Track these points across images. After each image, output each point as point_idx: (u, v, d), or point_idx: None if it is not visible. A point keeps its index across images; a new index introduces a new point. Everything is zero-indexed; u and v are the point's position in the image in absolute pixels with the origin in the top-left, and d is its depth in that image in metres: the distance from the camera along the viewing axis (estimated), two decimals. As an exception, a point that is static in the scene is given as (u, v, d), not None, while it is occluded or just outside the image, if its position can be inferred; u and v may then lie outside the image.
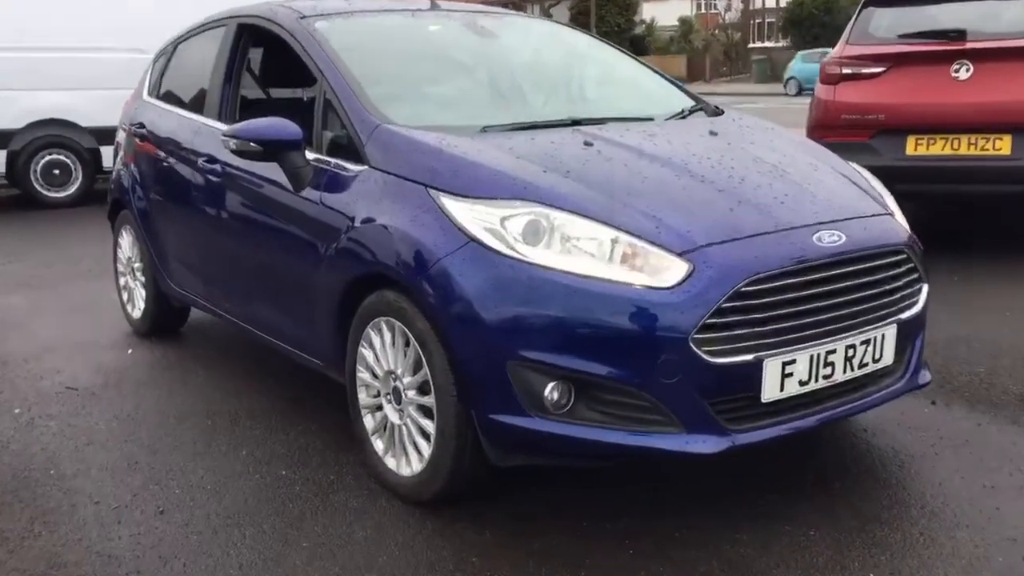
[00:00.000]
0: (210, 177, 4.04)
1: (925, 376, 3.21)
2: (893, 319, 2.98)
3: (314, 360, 3.58)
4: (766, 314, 2.68)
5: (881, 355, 2.95)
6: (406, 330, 2.99)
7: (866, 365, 2.91)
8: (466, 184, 2.93)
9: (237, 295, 4.01)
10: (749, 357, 2.66)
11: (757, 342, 2.67)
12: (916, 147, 6.05)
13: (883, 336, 2.94)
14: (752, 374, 2.67)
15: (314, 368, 3.63)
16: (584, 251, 2.73)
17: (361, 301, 3.20)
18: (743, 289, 2.64)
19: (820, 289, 2.78)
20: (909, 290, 3.08)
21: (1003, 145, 5.83)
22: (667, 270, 2.67)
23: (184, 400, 4.13)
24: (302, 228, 3.44)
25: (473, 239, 2.80)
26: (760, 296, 2.67)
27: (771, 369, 2.69)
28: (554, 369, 2.70)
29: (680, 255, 2.69)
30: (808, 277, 2.76)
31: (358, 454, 3.43)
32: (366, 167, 3.22)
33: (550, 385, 2.71)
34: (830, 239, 2.84)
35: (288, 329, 3.67)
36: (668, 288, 2.64)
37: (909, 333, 3.08)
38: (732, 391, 2.71)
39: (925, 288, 3.18)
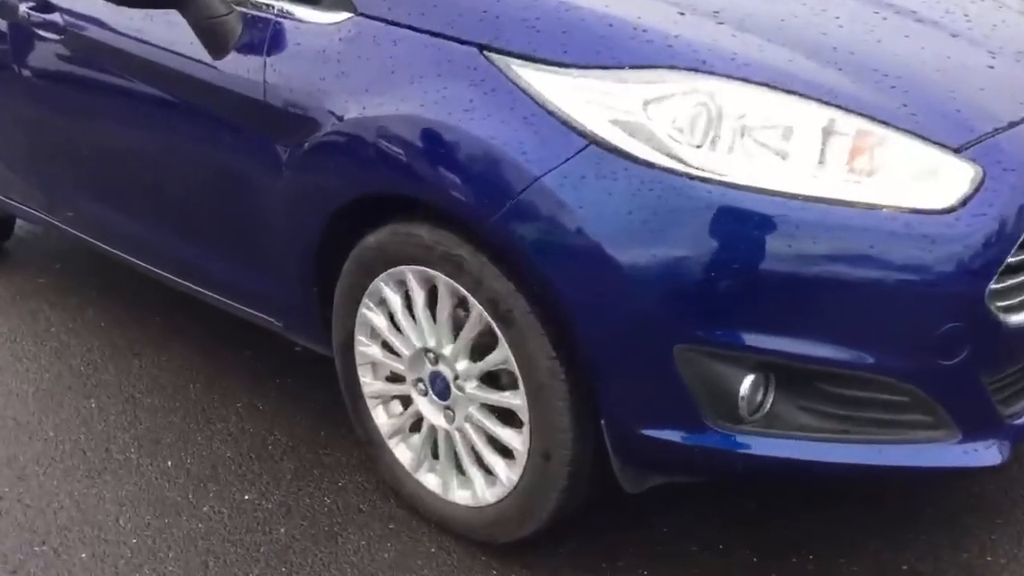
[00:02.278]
0: (44, 34, 2.57)
1: None
2: None
3: (271, 319, 2.35)
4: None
5: None
6: (462, 291, 1.82)
7: None
8: (566, 43, 1.71)
9: (117, 220, 2.64)
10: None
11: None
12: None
13: None
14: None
15: (271, 329, 2.40)
16: (782, 152, 1.61)
17: (358, 238, 1.98)
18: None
19: None
20: None
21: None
22: (938, 178, 1.60)
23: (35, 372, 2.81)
24: (229, 125, 2.13)
25: (595, 140, 1.63)
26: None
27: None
28: (755, 355, 1.63)
29: (957, 151, 1.62)
30: None
31: (362, 464, 2.30)
32: (351, 15, 1.93)
33: (748, 380, 1.64)
34: None
35: (221, 274, 2.40)
36: (946, 211, 1.58)
37: None
38: (1016, 362, 1.73)
39: None
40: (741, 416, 1.65)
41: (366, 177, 1.89)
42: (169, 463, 2.36)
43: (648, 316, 1.62)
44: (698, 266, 1.58)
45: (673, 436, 1.69)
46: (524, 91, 1.69)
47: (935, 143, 1.61)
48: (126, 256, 2.68)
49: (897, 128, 1.62)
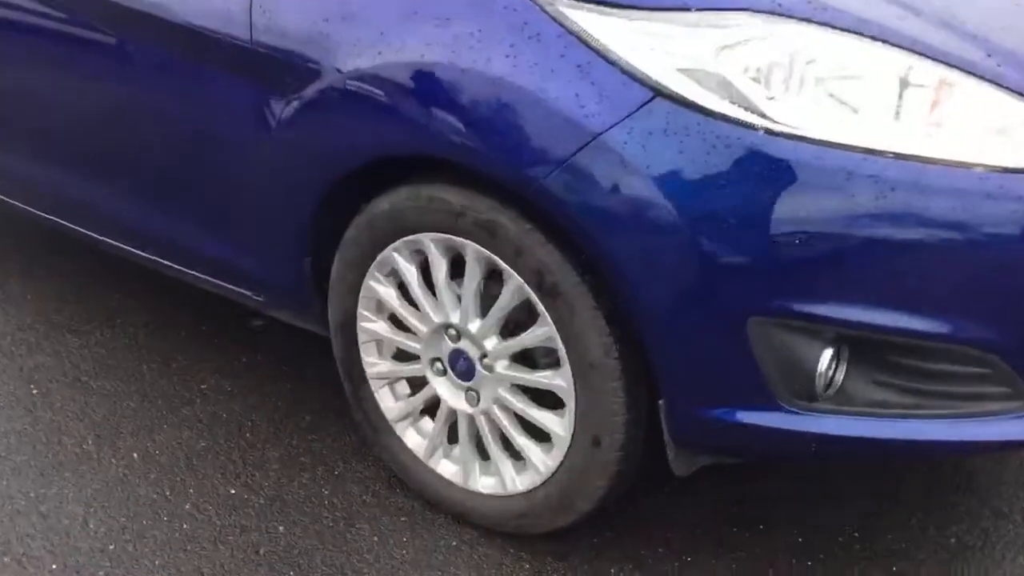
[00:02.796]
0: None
1: None
2: None
3: (249, 294, 2.10)
4: None
5: None
6: (497, 262, 1.63)
7: None
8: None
9: (65, 185, 2.32)
10: None
11: None
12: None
13: None
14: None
15: (244, 303, 2.16)
16: (867, 104, 1.47)
17: (364, 202, 1.77)
18: None
19: None
20: None
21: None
22: (1026, 132, 1.49)
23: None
24: (204, 74, 1.87)
25: (662, 91, 1.45)
26: None
27: None
28: (835, 326, 1.49)
29: (1047, 103, 1.50)
30: None
31: (357, 450, 2.10)
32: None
33: (826, 354, 1.51)
34: None
35: (193, 246, 2.13)
36: (1039, 167, 1.47)
37: None
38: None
39: None
40: (817, 393, 1.52)
41: (384, 136, 1.67)
42: (135, 455, 2.11)
43: (721, 287, 1.47)
44: (779, 230, 1.43)
45: (742, 417, 1.54)
46: (577, 36, 1.50)
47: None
48: (72, 225, 2.37)
49: (984, 79, 1.49)
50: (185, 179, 2.02)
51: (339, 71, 1.68)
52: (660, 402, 1.59)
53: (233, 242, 2.02)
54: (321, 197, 1.79)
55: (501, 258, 1.62)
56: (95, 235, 2.33)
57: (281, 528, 1.89)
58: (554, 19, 1.52)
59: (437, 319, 1.76)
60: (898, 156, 1.42)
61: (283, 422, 2.21)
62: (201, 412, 2.25)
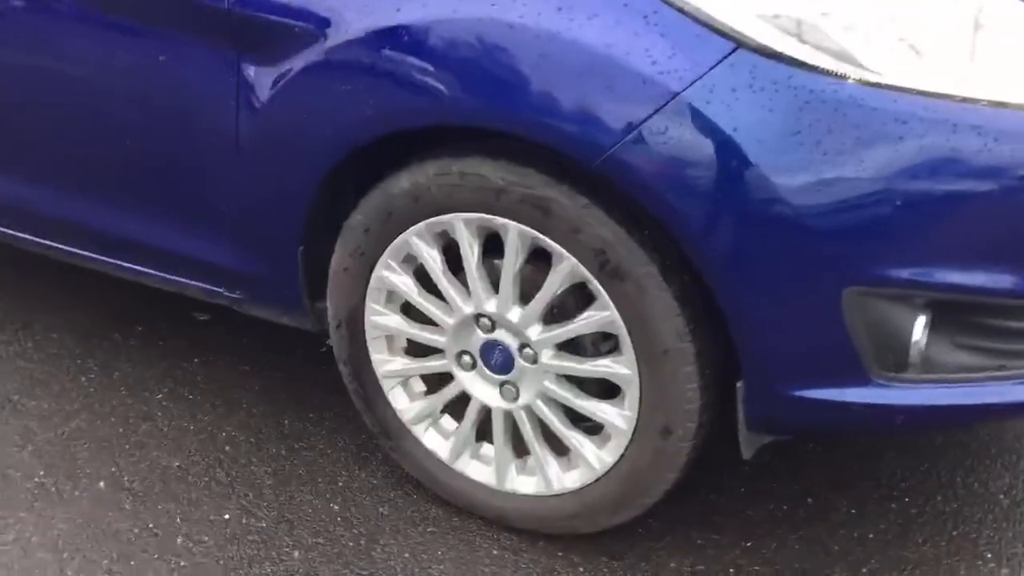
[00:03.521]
0: None
1: None
2: None
3: (220, 291, 1.84)
4: None
5: None
6: (546, 243, 1.45)
7: None
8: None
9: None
10: None
11: None
12: None
13: None
14: None
15: (213, 302, 1.90)
16: (971, 52, 1.35)
17: (373, 181, 1.56)
18: None
19: None
20: None
21: None
22: None
23: None
24: (168, 41, 1.61)
25: (744, 41, 1.30)
26: None
27: None
28: (932, 292, 1.38)
29: None
30: None
31: (357, 457, 1.89)
32: None
33: (921, 321, 1.40)
34: None
35: (155, 242, 1.84)
36: None
37: None
38: None
39: None
40: (908, 363, 1.42)
41: (404, 106, 1.45)
42: (101, 484, 1.84)
43: (817, 257, 1.34)
44: (881, 192, 1.30)
45: (830, 395, 1.42)
46: None
47: None
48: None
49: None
50: (148, 168, 1.74)
51: (348, 32, 1.45)
52: (738, 384, 1.46)
53: (206, 235, 1.76)
54: (320, 178, 1.56)
55: (552, 238, 1.44)
56: (27, 236, 2.00)
57: (296, 554, 1.68)
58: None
59: (468, 309, 1.57)
60: (997, 104, 1.31)
61: (262, 430, 1.97)
62: (164, 426, 1.99)
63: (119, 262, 1.93)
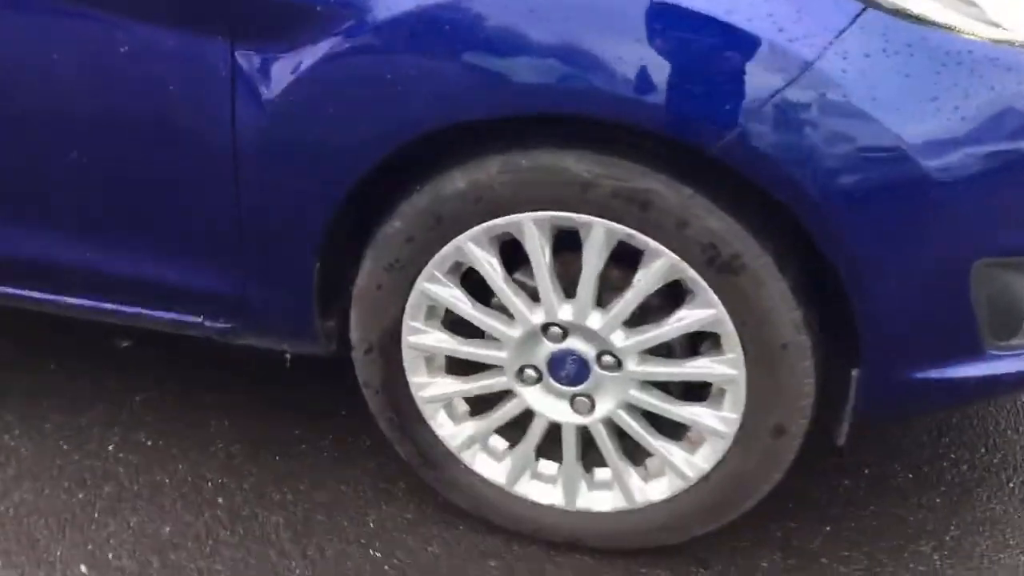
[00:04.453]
0: None
1: None
2: None
3: (211, 323, 1.55)
4: None
5: None
6: (640, 239, 1.28)
7: None
8: None
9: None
10: None
11: None
12: None
13: None
14: None
15: (199, 335, 1.59)
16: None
17: (407, 183, 1.34)
18: None
19: None
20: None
21: None
22: None
23: None
24: (148, 33, 1.31)
25: (874, 1, 1.16)
26: None
27: None
28: (1047, 255, 1.32)
29: None
30: None
31: (377, 491, 1.67)
32: None
33: (1037, 288, 1.34)
34: None
35: (128, 274, 1.51)
36: None
37: None
38: None
39: None
40: (1021, 331, 1.36)
41: (478, 91, 1.23)
42: (82, 568, 1.53)
43: (953, 230, 1.24)
44: (1019, 158, 1.21)
45: (950, 372, 1.34)
46: None
47: None
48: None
49: None
50: (110, 187, 1.43)
51: (392, 8, 1.21)
52: (854, 372, 1.35)
53: (193, 260, 1.47)
54: (350, 185, 1.32)
55: (650, 234, 1.27)
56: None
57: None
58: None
59: (537, 319, 1.38)
60: None
61: (252, 472, 1.71)
62: (133, 484, 1.68)
63: (59, 298, 1.59)
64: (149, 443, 1.77)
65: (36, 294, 1.60)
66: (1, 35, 1.35)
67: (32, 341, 2.00)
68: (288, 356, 1.63)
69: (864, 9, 1.16)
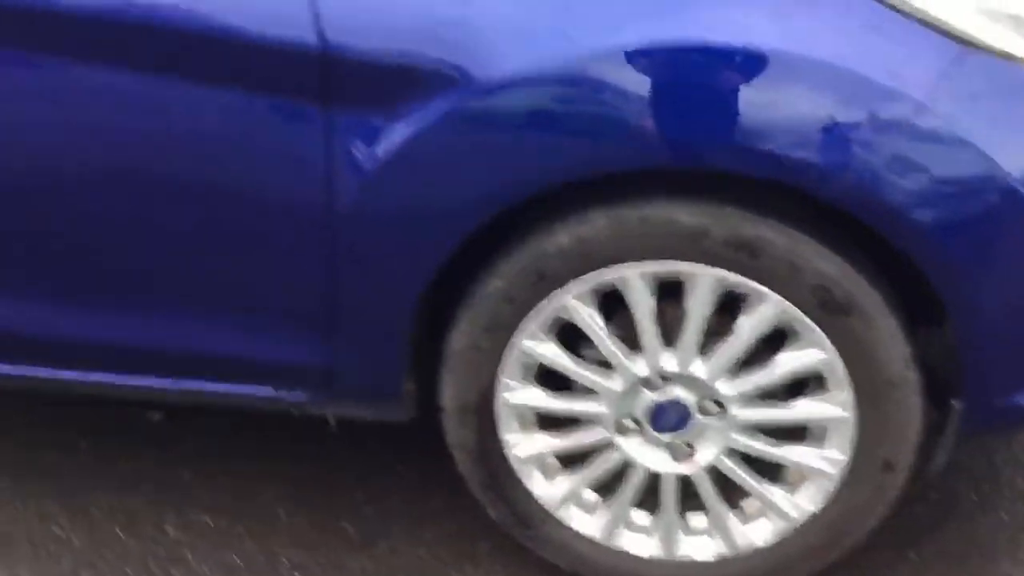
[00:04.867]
0: None
1: None
2: None
3: (283, 394, 1.49)
4: None
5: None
6: (750, 286, 1.28)
7: None
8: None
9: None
10: None
11: None
12: None
13: None
14: None
15: (270, 408, 1.54)
16: None
17: (512, 238, 1.32)
18: None
19: None
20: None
21: None
22: None
23: None
24: (240, 102, 1.26)
25: (975, 43, 1.19)
26: None
27: None
28: None
29: None
30: None
31: (478, 556, 1.63)
32: None
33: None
34: None
35: (207, 350, 1.45)
36: None
37: None
38: None
39: None
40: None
41: (603, 149, 1.22)
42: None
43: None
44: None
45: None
46: None
47: None
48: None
49: None
50: (204, 259, 1.37)
51: (509, 69, 1.20)
52: (954, 402, 1.37)
53: (276, 331, 1.42)
54: (455, 245, 1.30)
55: (762, 280, 1.28)
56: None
57: None
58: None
59: (642, 371, 1.37)
60: None
61: (326, 542, 1.65)
62: (201, 564, 1.62)
63: (121, 379, 1.52)
64: (210, 521, 1.70)
65: (95, 377, 1.52)
66: (93, 104, 1.29)
67: (54, 418, 1.92)
68: (332, 422, 1.60)
69: (966, 51, 1.19)
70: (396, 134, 1.24)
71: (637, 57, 1.17)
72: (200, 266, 1.39)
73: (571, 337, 1.39)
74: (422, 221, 1.29)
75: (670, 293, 1.34)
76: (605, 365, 1.40)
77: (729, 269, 1.28)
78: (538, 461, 1.48)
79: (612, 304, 1.36)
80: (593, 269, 1.31)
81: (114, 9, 1.24)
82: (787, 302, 1.29)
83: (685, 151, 1.22)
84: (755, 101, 1.17)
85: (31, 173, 1.34)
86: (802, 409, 1.38)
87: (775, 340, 1.34)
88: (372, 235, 1.31)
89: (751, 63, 1.16)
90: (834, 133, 1.18)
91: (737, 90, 1.17)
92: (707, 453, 1.42)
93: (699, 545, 1.50)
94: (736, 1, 1.19)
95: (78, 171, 1.32)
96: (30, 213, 1.37)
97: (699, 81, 1.19)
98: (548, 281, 1.33)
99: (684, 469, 1.44)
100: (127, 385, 1.51)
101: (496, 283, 1.34)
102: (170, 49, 1.24)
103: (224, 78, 1.25)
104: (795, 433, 1.44)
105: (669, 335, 1.36)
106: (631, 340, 1.37)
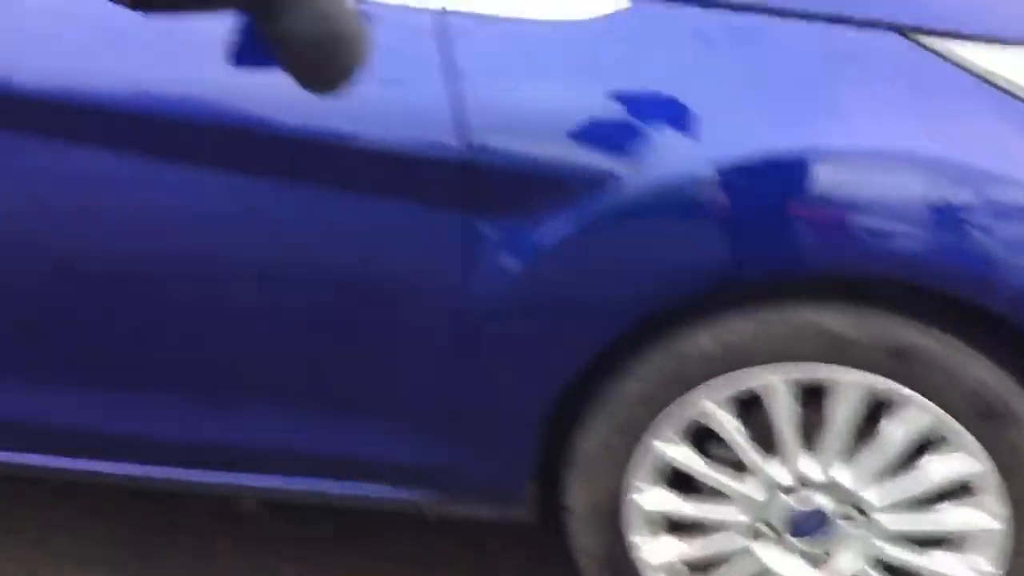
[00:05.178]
0: None
1: None
2: None
3: (402, 495, 1.46)
4: None
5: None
6: (901, 393, 1.24)
7: None
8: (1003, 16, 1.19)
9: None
10: None
11: None
12: None
13: None
14: None
15: (382, 507, 1.51)
16: None
17: (649, 339, 1.29)
18: None
19: None
20: None
21: None
22: None
23: None
24: (368, 211, 1.24)
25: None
26: None
27: None
28: None
29: None
30: None
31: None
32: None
33: None
34: None
35: (347, 442, 1.42)
36: None
37: None
38: None
39: None
40: None
41: (767, 255, 1.19)
42: None
43: None
44: None
45: None
46: (987, 80, 1.15)
47: None
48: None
49: None
50: (334, 360, 1.35)
51: (663, 174, 1.17)
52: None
53: (402, 431, 1.39)
54: (597, 350, 1.27)
55: (913, 387, 1.23)
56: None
57: None
58: (952, 63, 1.16)
59: (785, 479, 1.33)
60: None
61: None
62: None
63: (240, 479, 1.50)
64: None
65: (219, 477, 1.50)
66: (241, 213, 1.29)
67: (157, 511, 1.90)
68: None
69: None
70: (538, 238, 1.22)
71: (785, 167, 1.15)
72: (329, 370, 1.37)
73: (699, 436, 1.36)
74: (561, 325, 1.26)
75: (807, 393, 1.30)
76: (736, 466, 1.36)
77: (880, 374, 1.23)
78: (668, 568, 1.44)
79: (745, 404, 1.32)
80: (730, 370, 1.27)
81: (256, 121, 1.23)
82: (940, 410, 1.24)
83: (849, 260, 1.18)
84: (925, 213, 1.14)
85: (177, 277, 1.33)
86: (954, 519, 1.32)
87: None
88: (508, 339, 1.28)
89: (915, 172, 1.14)
90: (994, 240, 1.14)
91: (907, 200, 1.14)
92: (849, 562, 1.37)
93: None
94: (892, 108, 1.16)
95: (222, 271, 1.32)
96: (174, 319, 1.36)
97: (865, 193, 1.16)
98: (687, 384, 1.29)
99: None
100: (247, 486, 1.49)
101: (633, 384, 1.31)
102: (306, 158, 1.23)
103: (369, 189, 1.24)
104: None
105: (808, 438, 1.32)
106: (766, 442, 1.33)
